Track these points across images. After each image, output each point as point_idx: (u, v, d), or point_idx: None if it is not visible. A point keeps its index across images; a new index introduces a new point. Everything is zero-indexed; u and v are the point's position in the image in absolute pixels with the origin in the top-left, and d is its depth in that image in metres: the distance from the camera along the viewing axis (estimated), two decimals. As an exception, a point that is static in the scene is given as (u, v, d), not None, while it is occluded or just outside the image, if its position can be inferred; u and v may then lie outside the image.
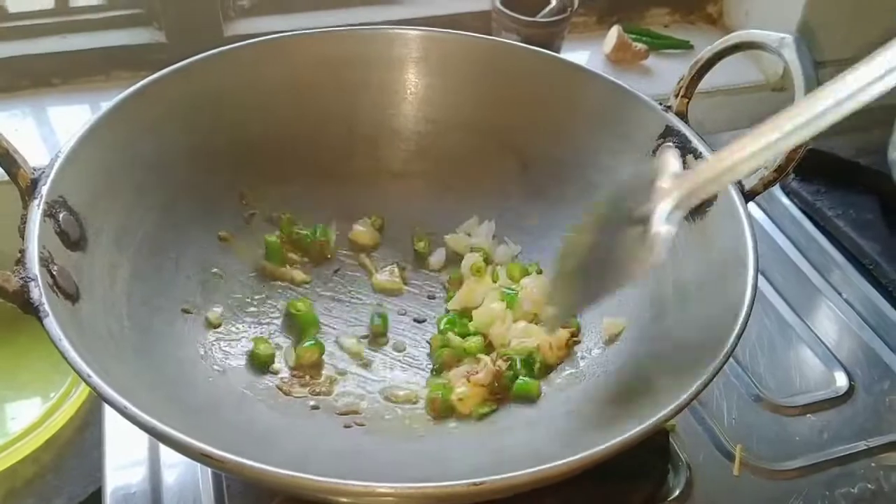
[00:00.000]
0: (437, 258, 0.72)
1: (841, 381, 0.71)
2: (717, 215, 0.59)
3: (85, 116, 0.91)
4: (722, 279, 0.56)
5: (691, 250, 0.60)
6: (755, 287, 0.53)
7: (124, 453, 0.63)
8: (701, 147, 0.62)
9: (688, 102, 0.64)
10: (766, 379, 0.70)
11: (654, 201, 0.50)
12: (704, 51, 0.63)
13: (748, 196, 0.59)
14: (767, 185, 0.58)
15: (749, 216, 0.57)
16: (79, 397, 0.82)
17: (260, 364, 0.62)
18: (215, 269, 0.66)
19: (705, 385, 0.49)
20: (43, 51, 0.93)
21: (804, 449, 0.66)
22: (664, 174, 0.51)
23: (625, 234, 0.52)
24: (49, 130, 0.92)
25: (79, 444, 0.83)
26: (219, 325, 0.63)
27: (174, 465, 0.61)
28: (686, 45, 1.09)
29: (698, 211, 0.61)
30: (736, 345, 0.50)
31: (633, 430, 0.47)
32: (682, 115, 0.64)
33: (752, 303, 0.52)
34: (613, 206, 0.55)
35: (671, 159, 0.52)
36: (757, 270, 0.53)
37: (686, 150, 0.63)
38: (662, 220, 0.49)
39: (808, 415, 0.68)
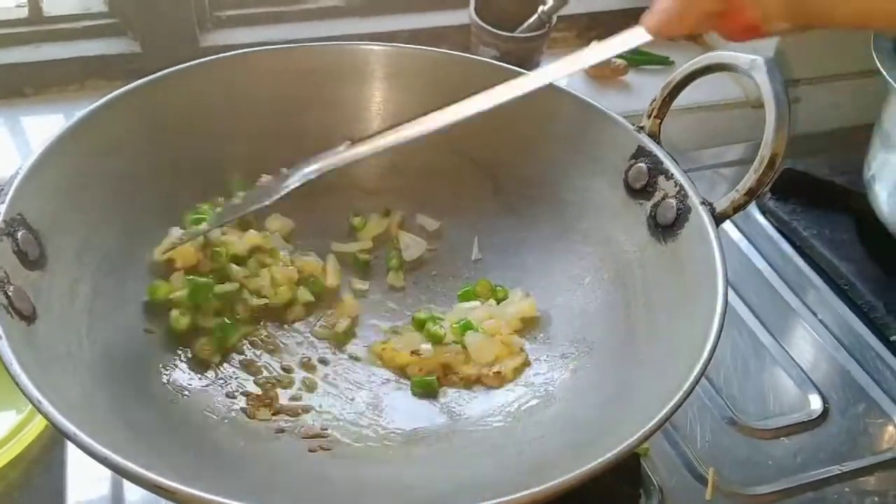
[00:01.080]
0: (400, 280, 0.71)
1: (815, 403, 0.70)
2: (687, 238, 0.59)
3: (59, 126, 0.90)
4: (692, 302, 0.55)
5: (662, 273, 0.60)
6: (724, 312, 0.52)
7: (88, 470, 0.62)
8: (672, 168, 0.61)
9: (660, 123, 0.64)
10: (740, 401, 0.70)
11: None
12: (676, 72, 0.62)
13: (718, 219, 0.58)
14: (737, 208, 0.58)
15: (719, 240, 0.56)
16: (45, 414, 0.81)
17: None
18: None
19: (675, 409, 0.48)
20: (16, 60, 0.92)
21: (778, 473, 0.65)
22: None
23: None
24: (22, 140, 0.90)
25: (47, 461, 0.81)
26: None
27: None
28: (666, 62, 1.08)
29: (669, 233, 0.60)
30: (703, 372, 0.50)
31: (601, 457, 0.46)
32: (655, 136, 0.63)
33: (721, 328, 0.51)
34: None
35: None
36: (726, 296, 0.53)
37: (658, 170, 0.62)
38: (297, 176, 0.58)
39: (782, 438, 0.68)
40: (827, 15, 0.41)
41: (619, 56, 1.04)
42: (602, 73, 1.04)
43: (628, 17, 1.08)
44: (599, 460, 0.46)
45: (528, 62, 0.94)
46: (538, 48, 0.96)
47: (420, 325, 0.66)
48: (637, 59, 1.07)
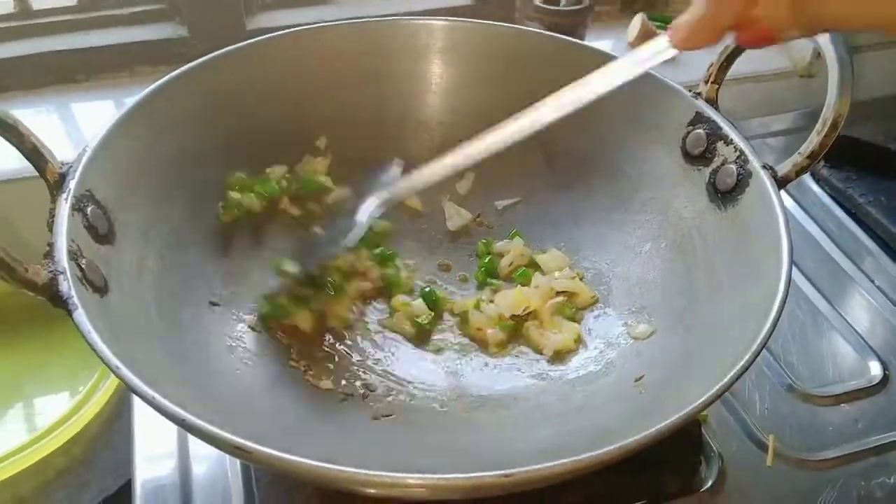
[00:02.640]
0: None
1: (875, 369, 0.70)
2: (749, 203, 0.58)
3: (109, 112, 0.92)
4: (755, 269, 0.55)
5: (723, 238, 0.59)
6: (789, 277, 0.52)
7: (153, 446, 0.63)
8: (732, 133, 0.61)
9: (717, 89, 0.63)
10: (799, 368, 0.69)
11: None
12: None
13: (781, 183, 0.58)
14: (800, 171, 0.57)
15: (782, 204, 0.56)
16: (107, 391, 0.83)
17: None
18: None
19: (737, 377, 0.48)
20: (67, 47, 0.94)
21: (838, 439, 0.65)
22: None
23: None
24: (74, 127, 0.92)
25: (108, 437, 0.83)
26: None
27: (203, 458, 0.62)
28: (711, 31, 1.07)
29: (730, 199, 0.60)
30: (769, 337, 0.49)
31: (663, 422, 0.46)
32: (712, 102, 0.63)
33: (786, 294, 0.51)
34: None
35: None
36: (791, 260, 0.52)
37: (717, 136, 0.62)
38: (365, 212, 0.61)
39: (842, 404, 0.67)
40: (834, 22, 0.44)
41: (664, 27, 1.05)
42: (645, 42, 1.03)
43: None
44: (660, 426, 0.46)
45: (573, 36, 0.92)
46: (583, 21, 0.96)
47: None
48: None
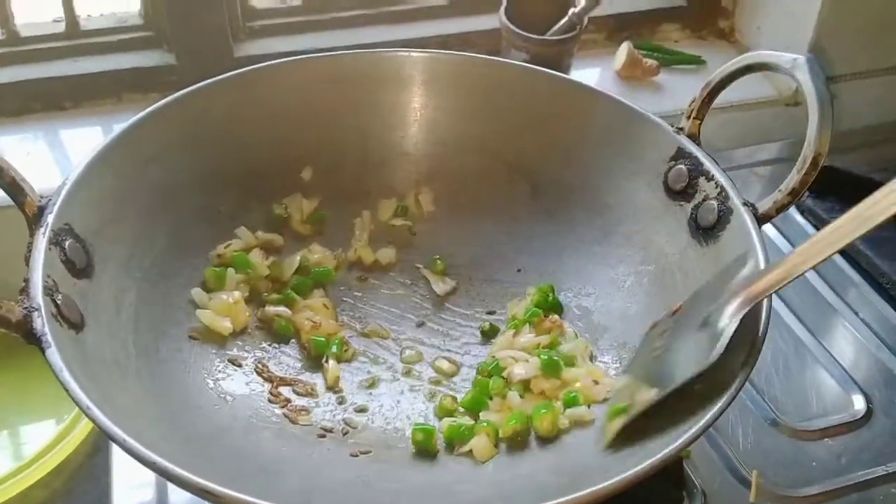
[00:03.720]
0: (443, 287, 0.71)
1: (858, 403, 0.70)
2: (729, 240, 0.58)
3: (97, 139, 0.92)
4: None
5: (704, 275, 0.59)
6: (769, 316, 0.52)
7: (132, 476, 0.62)
8: (713, 170, 0.61)
9: (700, 124, 0.63)
10: (782, 402, 0.69)
11: (724, 302, 0.52)
12: (716, 72, 0.62)
13: (761, 220, 0.58)
14: (780, 209, 0.57)
15: (762, 241, 0.56)
16: (89, 422, 0.82)
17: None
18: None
19: (720, 413, 0.48)
20: (54, 74, 0.94)
21: (822, 474, 0.64)
22: (738, 277, 0.54)
23: (692, 334, 0.53)
24: (61, 154, 0.92)
25: (89, 468, 0.83)
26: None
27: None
28: (698, 61, 1.08)
29: (710, 235, 0.60)
30: (749, 373, 0.49)
31: (643, 462, 0.46)
32: (694, 137, 0.63)
33: (766, 331, 0.51)
34: (691, 306, 0.57)
35: (747, 267, 0.55)
36: (770, 300, 0.52)
37: (698, 172, 0.62)
38: (728, 318, 0.51)
39: (826, 439, 0.67)
40: None
41: (651, 55, 1.06)
42: (634, 74, 1.04)
43: (658, 19, 1.11)
44: (643, 465, 0.46)
45: (559, 65, 0.93)
46: (569, 51, 0.96)
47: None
48: (669, 58, 1.07)
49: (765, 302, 0.52)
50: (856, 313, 0.78)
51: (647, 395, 0.53)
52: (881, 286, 0.79)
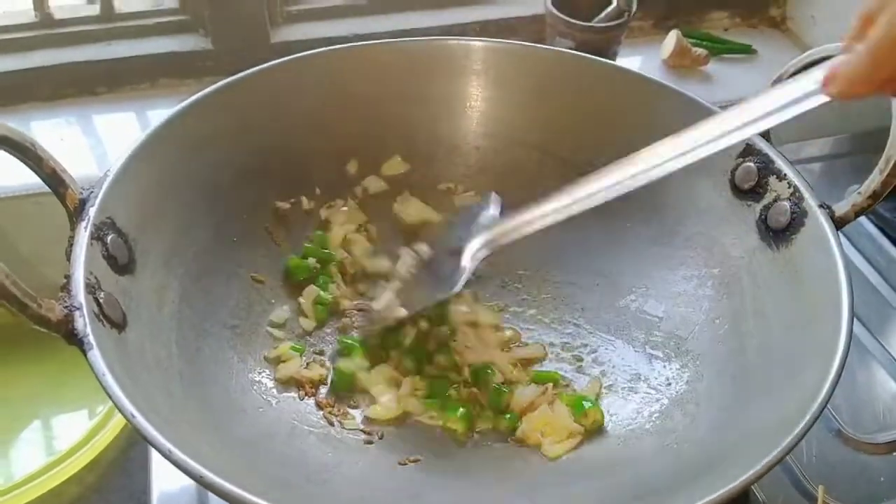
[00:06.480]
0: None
1: (928, 416, 0.67)
2: (804, 244, 0.55)
3: (131, 125, 0.90)
4: (811, 315, 0.52)
5: (775, 282, 0.56)
6: (850, 329, 0.49)
7: (172, 474, 0.60)
8: (786, 168, 0.58)
9: (770, 119, 0.60)
10: (848, 413, 0.66)
11: (469, 236, 0.58)
12: (786, 67, 0.59)
13: (839, 223, 0.54)
14: (859, 212, 0.54)
15: (841, 248, 0.53)
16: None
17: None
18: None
19: (799, 439, 0.45)
20: (88, 58, 0.92)
21: (891, 490, 0.62)
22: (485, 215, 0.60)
23: (445, 259, 0.60)
24: (95, 139, 0.90)
25: (123, 463, 0.81)
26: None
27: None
28: (748, 50, 1.04)
29: (782, 238, 0.56)
30: (831, 395, 0.47)
31: (717, 492, 0.43)
32: (765, 133, 0.60)
33: (848, 347, 0.48)
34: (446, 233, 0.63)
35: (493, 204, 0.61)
36: (852, 313, 0.49)
37: (769, 170, 0.58)
38: (468, 258, 0.58)
39: (894, 453, 0.64)
40: None
41: (699, 44, 1.02)
42: (682, 63, 1.00)
43: (707, 7, 1.07)
44: (716, 494, 0.43)
45: (606, 53, 0.90)
46: (616, 38, 0.93)
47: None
48: (718, 47, 1.03)
49: (845, 314, 0.49)
50: (923, 319, 0.74)
51: (398, 313, 0.60)
52: (949, 289, 0.76)
